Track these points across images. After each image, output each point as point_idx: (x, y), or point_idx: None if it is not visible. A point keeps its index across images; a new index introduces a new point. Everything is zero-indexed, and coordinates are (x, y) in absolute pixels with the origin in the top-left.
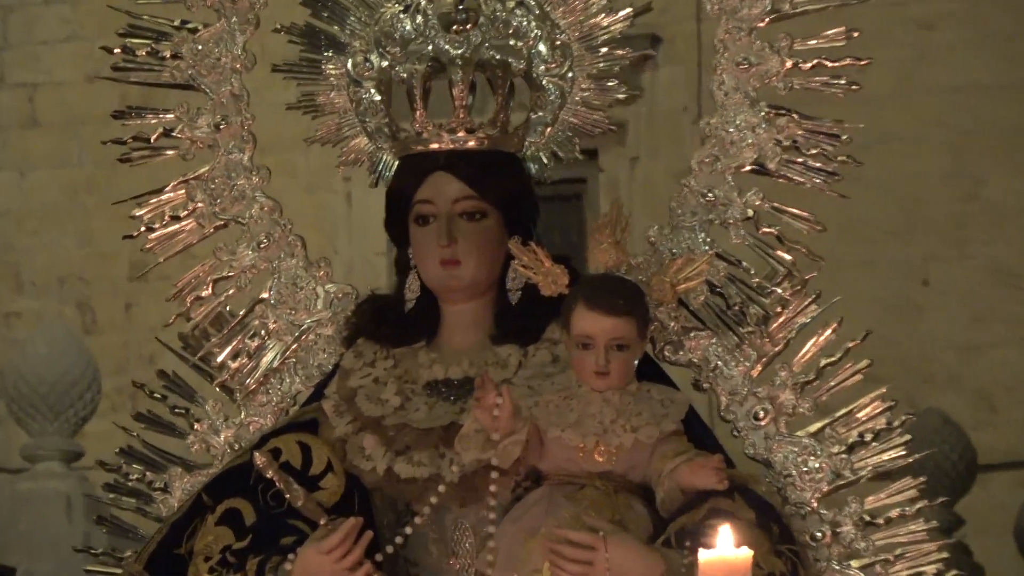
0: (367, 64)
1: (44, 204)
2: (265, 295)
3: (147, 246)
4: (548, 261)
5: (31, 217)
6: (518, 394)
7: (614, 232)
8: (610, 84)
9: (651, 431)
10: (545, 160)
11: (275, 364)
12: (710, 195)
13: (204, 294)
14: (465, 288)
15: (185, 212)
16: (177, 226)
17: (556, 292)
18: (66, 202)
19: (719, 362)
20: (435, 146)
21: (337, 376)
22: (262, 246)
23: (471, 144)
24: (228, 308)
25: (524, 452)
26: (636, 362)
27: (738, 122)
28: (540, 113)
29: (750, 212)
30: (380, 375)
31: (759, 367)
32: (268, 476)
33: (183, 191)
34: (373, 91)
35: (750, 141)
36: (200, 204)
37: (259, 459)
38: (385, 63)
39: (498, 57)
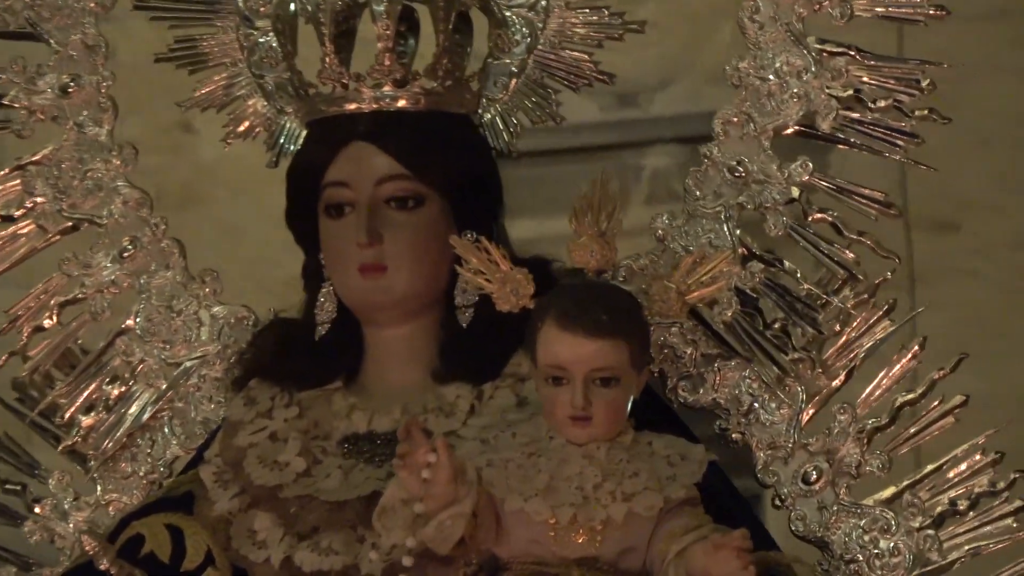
0: None
1: None
2: (129, 322)
3: None
4: (505, 263)
5: None
6: (464, 450)
7: (597, 219)
8: (603, 13)
9: (652, 499)
10: (510, 127)
11: (144, 419)
12: (740, 169)
13: (46, 324)
14: (396, 305)
15: (20, 210)
16: (10, 229)
17: (517, 307)
18: None
19: (755, 403)
20: (352, 106)
21: (221, 432)
22: (126, 255)
23: (402, 103)
24: (79, 342)
25: (471, 531)
26: (630, 402)
27: (778, 65)
28: (502, 58)
29: (795, 191)
30: (279, 429)
31: (810, 409)
32: (103, 568)
33: (17, 181)
34: (271, 34)
35: (795, 91)
36: (41, 199)
37: (88, 544)
38: None
39: None
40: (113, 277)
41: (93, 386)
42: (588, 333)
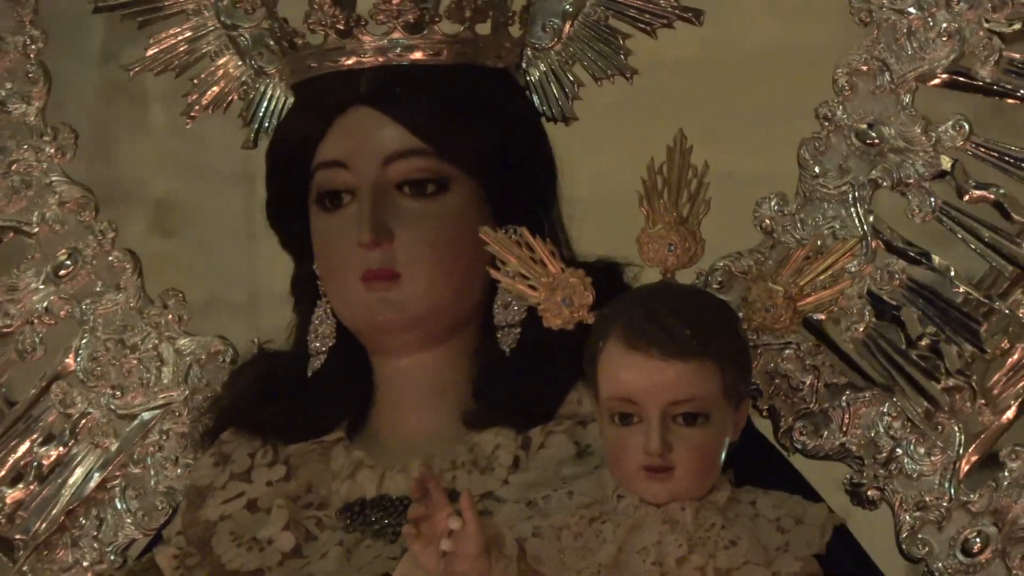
0: None
1: None
2: (68, 362)
3: None
4: (555, 263)
5: None
6: (503, 515)
7: (675, 200)
8: None
9: None
10: (564, 86)
11: (88, 490)
12: (872, 134)
13: None
14: (412, 325)
15: None
16: None
17: (571, 322)
18: None
19: (897, 448)
20: (351, 61)
21: (184, 502)
22: (63, 273)
23: (418, 55)
24: (2, 391)
25: None
26: (725, 447)
27: None
28: None
29: (946, 162)
30: (259, 496)
31: (971, 455)
32: None
33: None
34: None
35: (943, 28)
36: None
37: None
38: None
39: None
40: (46, 303)
41: (22, 449)
42: (665, 353)
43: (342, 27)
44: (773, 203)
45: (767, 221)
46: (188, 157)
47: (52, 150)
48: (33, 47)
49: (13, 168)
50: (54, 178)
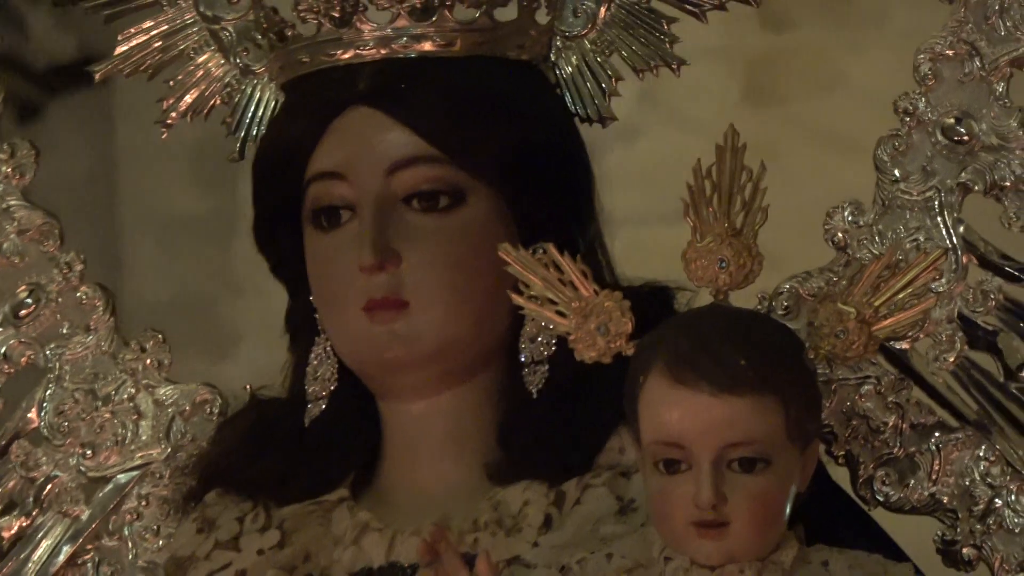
0: None
1: None
2: (31, 417)
3: None
4: (587, 286)
5: None
6: None
7: (727, 208)
8: None
9: None
10: (601, 80)
11: (56, 567)
12: (960, 129)
13: None
14: (424, 363)
15: None
16: None
17: (608, 354)
18: None
19: (996, 499)
20: (348, 54)
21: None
22: (23, 313)
23: (427, 46)
24: None
25: None
26: (791, 498)
27: None
28: None
29: None
30: (250, 565)
31: None
32: None
33: None
34: None
35: None
36: None
37: None
38: None
39: None
40: (4, 348)
41: None
42: (716, 387)
43: (338, 14)
44: (847, 213)
45: (839, 235)
46: None
47: (8, 169)
48: None
49: None
50: (12, 202)
